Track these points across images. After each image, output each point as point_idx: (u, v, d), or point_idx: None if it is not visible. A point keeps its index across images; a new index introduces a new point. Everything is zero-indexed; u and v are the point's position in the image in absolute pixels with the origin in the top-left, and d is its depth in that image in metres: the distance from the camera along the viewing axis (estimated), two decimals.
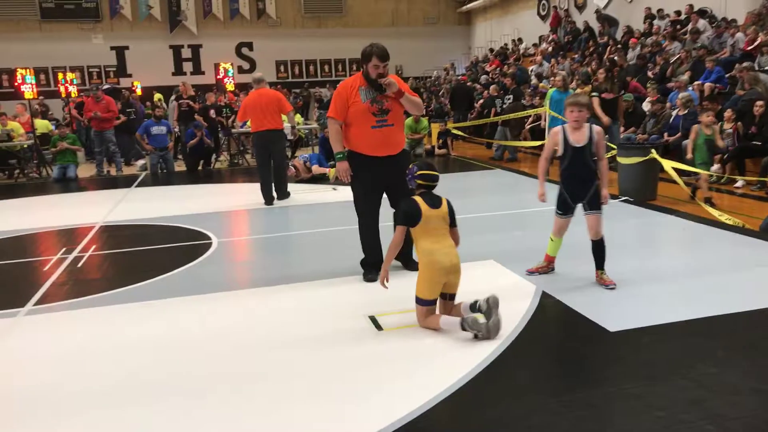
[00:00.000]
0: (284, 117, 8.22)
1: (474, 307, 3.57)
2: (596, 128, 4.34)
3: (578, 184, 4.37)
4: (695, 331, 3.57)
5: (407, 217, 3.70)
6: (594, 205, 4.36)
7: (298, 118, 13.73)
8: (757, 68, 9.61)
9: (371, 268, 4.79)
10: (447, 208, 3.76)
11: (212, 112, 13.09)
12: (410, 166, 3.92)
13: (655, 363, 3.19)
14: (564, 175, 4.42)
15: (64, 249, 6.11)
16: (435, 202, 3.75)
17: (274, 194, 8.21)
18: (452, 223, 3.77)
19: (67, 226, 7.19)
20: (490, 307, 3.51)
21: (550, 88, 11.05)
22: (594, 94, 8.88)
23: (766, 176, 7.51)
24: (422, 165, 3.87)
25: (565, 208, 4.47)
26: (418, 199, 3.72)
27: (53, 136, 12.04)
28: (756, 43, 10.46)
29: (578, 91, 13.22)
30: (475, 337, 3.49)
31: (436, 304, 3.69)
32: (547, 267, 4.67)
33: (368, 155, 4.61)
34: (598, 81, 9.29)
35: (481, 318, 3.51)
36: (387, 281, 3.76)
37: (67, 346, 3.74)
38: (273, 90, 8.52)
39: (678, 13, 13.65)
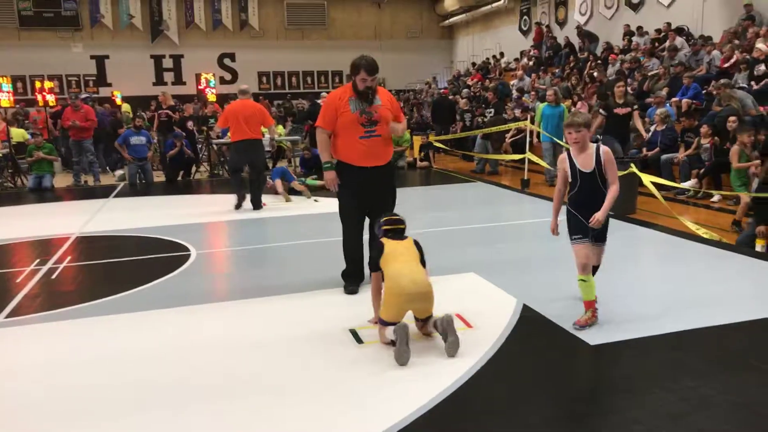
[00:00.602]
0: (264, 129, 8.25)
1: (435, 324, 3.55)
2: (603, 148, 3.88)
3: (589, 213, 3.83)
4: (675, 344, 3.59)
5: (372, 258, 3.71)
6: (601, 237, 3.99)
7: (281, 129, 13.70)
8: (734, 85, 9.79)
9: (353, 279, 4.78)
10: (413, 242, 3.74)
11: (190, 124, 12.99)
12: (378, 221, 3.93)
13: (635, 377, 3.19)
14: (573, 201, 3.94)
15: (38, 260, 5.98)
16: (399, 237, 3.75)
17: (249, 202, 8.42)
18: (421, 261, 3.69)
19: (41, 237, 7.05)
20: (445, 329, 3.46)
21: (542, 103, 10.70)
22: (601, 111, 8.25)
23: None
24: (385, 219, 3.89)
25: (583, 232, 3.88)
26: (383, 239, 3.73)
27: (29, 146, 11.84)
28: (732, 61, 10.67)
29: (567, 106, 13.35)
30: (392, 343, 3.46)
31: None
32: (594, 315, 3.92)
33: (355, 165, 4.59)
34: (613, 95, 8.69)
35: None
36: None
37: (39, 358, 3.64)
38: (256, 102, 8.63)
39: (659, 31, 13.90)
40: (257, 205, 8.41)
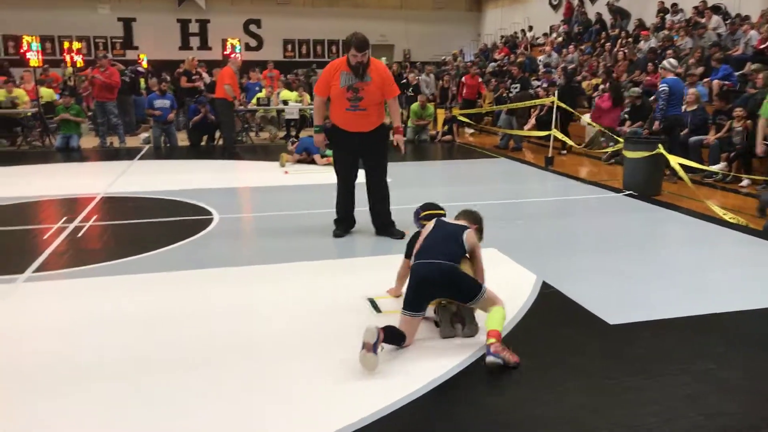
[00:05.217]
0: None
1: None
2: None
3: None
4: (695, 327, 3.56)
5: (409, 245, 3.72)
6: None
7: (308, 97, 13.73)
8: None
9: (342, 225, 5.49)
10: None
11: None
12: (415, 209, 3.95)
13: (653, 357, 3.18)
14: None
15: (65, 218, 6.10)
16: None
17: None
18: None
19: (68, 196, 7.17)
20: (464, 316, 3.45)
21: None
22: None
23: None
24: (423, 205, 3.93)
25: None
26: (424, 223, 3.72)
27: (57, 106, 11.98)
28: None
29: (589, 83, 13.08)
30: (436, 324, 3.49)
31: None
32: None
33: (344, 130, 5.20)
34: None
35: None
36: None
37: (63, 314, 3.74)
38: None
39: (696, 9, 13.47)
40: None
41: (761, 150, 6.96)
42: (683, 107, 9.29)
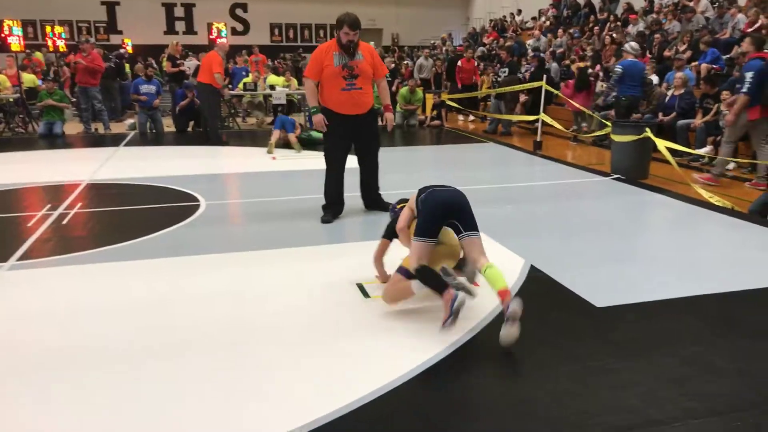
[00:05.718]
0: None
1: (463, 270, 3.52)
2: None
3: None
4: (681, 309, 3.59)
5: (390, 225, 3.73)
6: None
7: (295, 82, 13.59)
8: None
9: (330, 211, 5.48)
10: None
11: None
12: (391, 205, 3.94)
13: (639, 340, 3.20)
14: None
15: (49, 206, 6.02)
16: None
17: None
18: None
19: (52, 183, 7.08)
20: (470, 274, 3.47)
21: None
22: None
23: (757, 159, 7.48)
24: (398, 201, 3.92)
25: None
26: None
27: (40, 92, 11.80)
28: (756, 26, 10.35)
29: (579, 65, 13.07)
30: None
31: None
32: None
33: (337, 113, 5.19)
34: None
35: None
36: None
37: (48, 302, 3.70)
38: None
39: None
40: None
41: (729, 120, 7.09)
42: (671, 92, 9.32)
